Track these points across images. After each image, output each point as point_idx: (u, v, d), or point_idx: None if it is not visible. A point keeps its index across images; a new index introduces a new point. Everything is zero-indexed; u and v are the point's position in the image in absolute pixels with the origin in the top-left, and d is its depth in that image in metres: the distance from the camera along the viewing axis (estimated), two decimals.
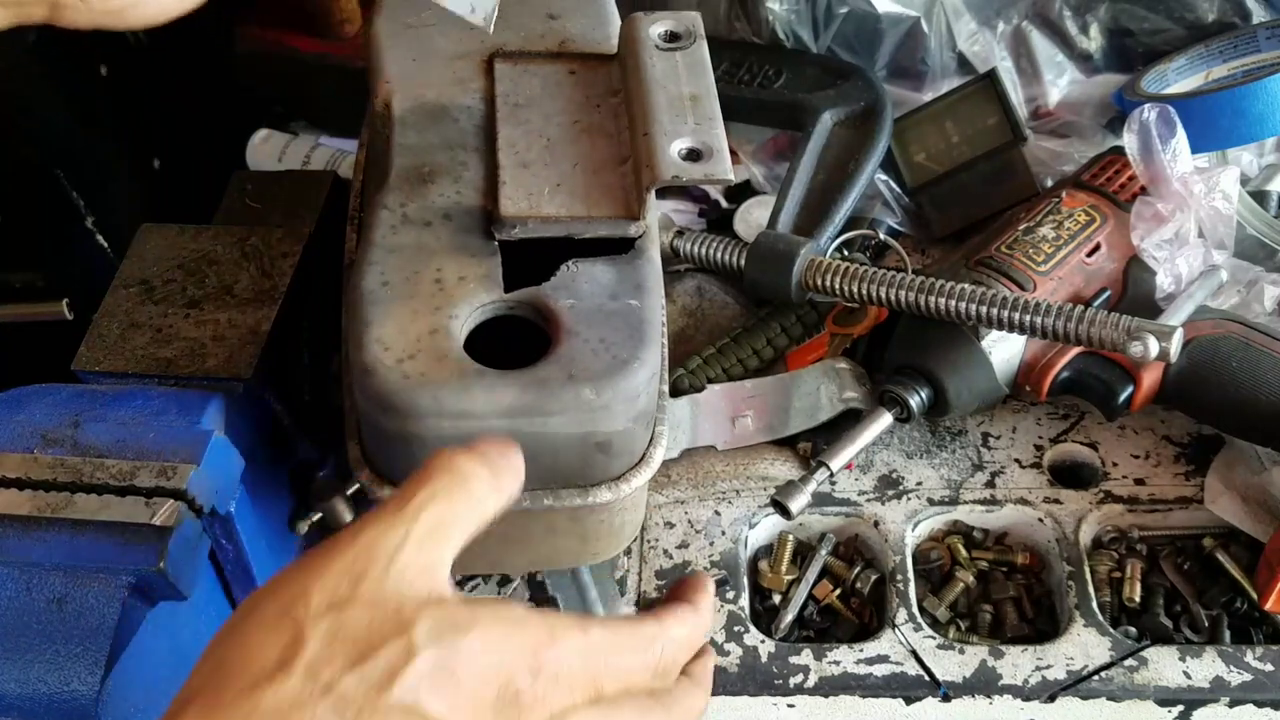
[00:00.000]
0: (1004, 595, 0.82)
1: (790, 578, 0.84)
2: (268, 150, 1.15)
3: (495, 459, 0.50)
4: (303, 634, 0.43)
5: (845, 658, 0.78)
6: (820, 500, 0.86)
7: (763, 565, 0.85)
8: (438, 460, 0.49)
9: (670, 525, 0.86)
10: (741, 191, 1.07)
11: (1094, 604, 0.79)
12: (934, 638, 0.79)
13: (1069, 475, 0.89)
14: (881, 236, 0.97)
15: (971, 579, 0.83)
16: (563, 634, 0.47)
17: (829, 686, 0.76)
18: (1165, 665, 0.76)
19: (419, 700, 0.42)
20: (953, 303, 0.80)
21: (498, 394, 0.59)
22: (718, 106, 0.68)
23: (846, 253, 0.97)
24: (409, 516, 0.46)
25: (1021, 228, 0.87)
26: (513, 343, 0.63)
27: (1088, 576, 0.81)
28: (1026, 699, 0.76)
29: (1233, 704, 0.75)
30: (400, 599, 0.44)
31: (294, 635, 0.43)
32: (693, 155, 0.65)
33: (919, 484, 0.87)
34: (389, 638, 0.43)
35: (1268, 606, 0.78)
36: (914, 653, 0.78)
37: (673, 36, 0.72)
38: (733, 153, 1.03)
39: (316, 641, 0.43)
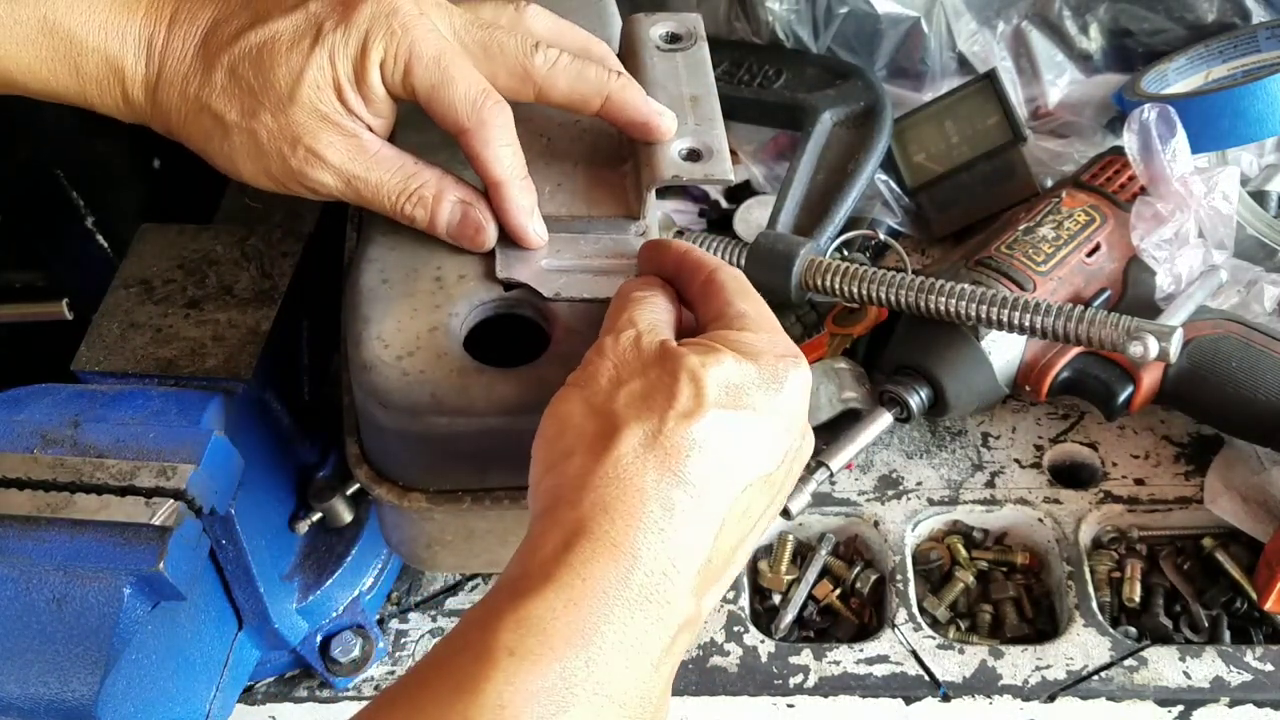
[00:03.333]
0: (1004, 595, 0.82)
1: (790, 578, 0.84)
2: None
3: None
4: (613, 413, 0.51)
5: (845, 658, 0.78)
6: (820, 500, 0.86)
7: (763, 565, 0.85)
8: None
9: None
10: (741, 191, 1.07)
11: (1094, 604, 0.79)
12: (934, 638, 0.79)
13: (1069, 475, 0.89)
14: (881, 236, 0.97)
15: (971, 579, 0.83)
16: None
17: (829, 686, 0.76)
18: (1165, 665, 0.76)
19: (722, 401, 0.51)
20: (953, 303, 0.80)
21: (497, 391, 0.59)
22: (718, 107, 0.68)
23: (846, 253, 0.97)
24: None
25: (1021, 228, 0.87)
26: (512, 340, 0.63)
27: (1087, 576, 0.81)
28: (1026, 699, 0.76)
29: (1233, 704, 0.75)
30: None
31: (607, 418, 0.51)
32: (693, 155, 0.65)
33: (919, 484, 0.87)
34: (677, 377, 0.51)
35: (1268, 606, 0.78)
36: (914, 653, 0.78)
37: (674, 38, 0.72)
38: (733, 153, 1.03)
39: (629, 410, 0.51)
